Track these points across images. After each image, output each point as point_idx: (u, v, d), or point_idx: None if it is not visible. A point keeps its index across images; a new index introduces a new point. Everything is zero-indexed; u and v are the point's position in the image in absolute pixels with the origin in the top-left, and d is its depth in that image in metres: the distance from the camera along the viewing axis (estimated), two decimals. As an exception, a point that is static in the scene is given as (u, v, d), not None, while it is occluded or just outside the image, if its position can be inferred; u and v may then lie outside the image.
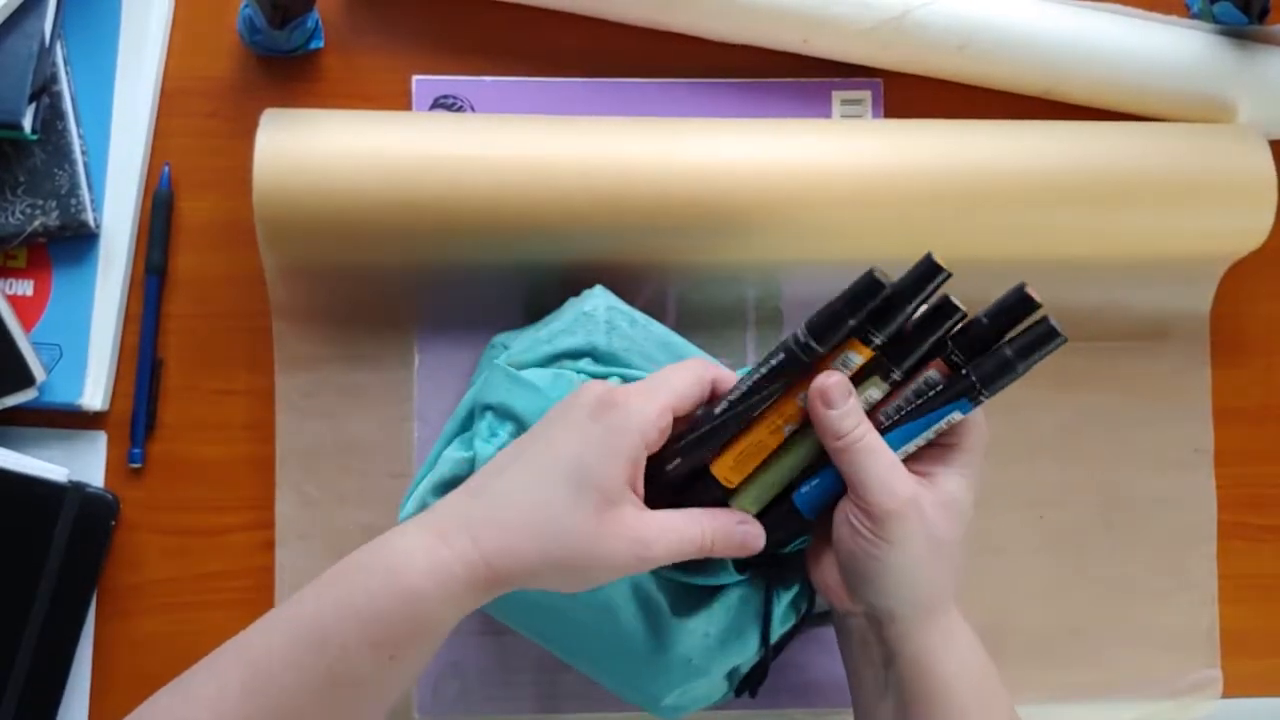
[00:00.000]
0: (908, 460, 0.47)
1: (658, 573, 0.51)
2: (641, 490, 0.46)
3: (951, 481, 0.48)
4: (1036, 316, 0.46)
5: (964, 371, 0.46)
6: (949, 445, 0.48)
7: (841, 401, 0.46)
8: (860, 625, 0.50)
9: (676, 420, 0.47)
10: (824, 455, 0.48)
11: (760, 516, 0.49)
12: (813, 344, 0.46)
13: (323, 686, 0.43)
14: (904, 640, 0.48)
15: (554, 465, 0.45)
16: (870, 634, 0.50)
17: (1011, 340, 0.46)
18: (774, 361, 0.47)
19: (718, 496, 0.48)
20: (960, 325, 0.47)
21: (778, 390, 0.47)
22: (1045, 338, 0.45)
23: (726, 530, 0.47)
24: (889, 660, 0.49)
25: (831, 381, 0.46)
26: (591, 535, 0.44)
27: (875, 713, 0.51)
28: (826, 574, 0.50)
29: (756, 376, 0.47)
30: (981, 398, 0.46)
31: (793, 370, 0.47)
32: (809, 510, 0.49)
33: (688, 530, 0.46)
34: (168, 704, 0.44)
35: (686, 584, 0.52)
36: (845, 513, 0.47)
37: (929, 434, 0.47)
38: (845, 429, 0.46)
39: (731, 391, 0.48)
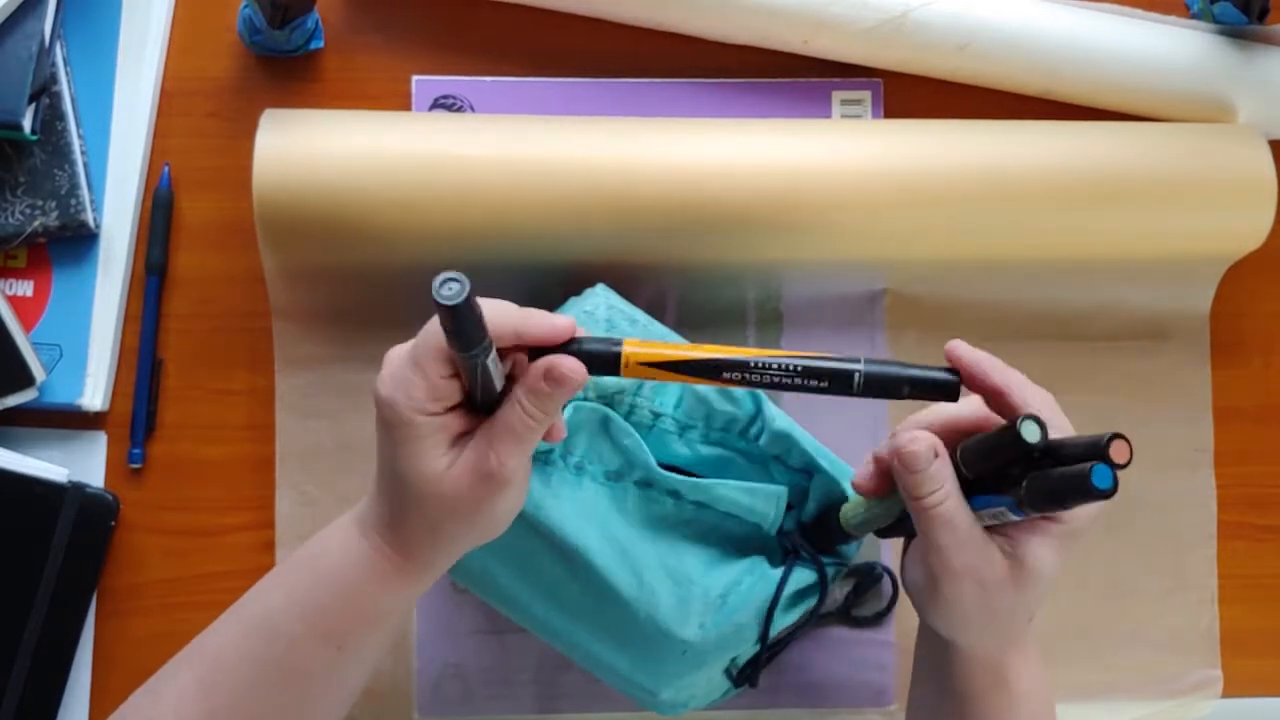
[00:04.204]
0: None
1: (675, 549, 0.52)
2: (468, 421, 0.43)
3: (1036, 551, 0.46)
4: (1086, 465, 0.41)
5: (1022, 482, 0.43)
6: (1052, 519, 0.46)
7: (923, 465, 0.45)
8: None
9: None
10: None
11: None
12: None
13: (277, 679, 0.44)
14: (963, 662, 0.49)
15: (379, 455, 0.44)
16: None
17: (1063, 476, 0.42)
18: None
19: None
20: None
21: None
22: (1087, 491, 0.41)
23: (534, 388, 0.42)
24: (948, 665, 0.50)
25: (914, 450, 0.45)
26: (449, 494, 0.42)
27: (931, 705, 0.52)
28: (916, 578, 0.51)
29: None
30: (1026, 511, 0.44)
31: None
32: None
33: (508, 420, 0.42)
34: (140, 704, 0.46)
35: (681, 574, 0.52)
36: (914, 549, 0.48)
37: (988, 516, 0.46)
38: (922, 493, 0.45)
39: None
